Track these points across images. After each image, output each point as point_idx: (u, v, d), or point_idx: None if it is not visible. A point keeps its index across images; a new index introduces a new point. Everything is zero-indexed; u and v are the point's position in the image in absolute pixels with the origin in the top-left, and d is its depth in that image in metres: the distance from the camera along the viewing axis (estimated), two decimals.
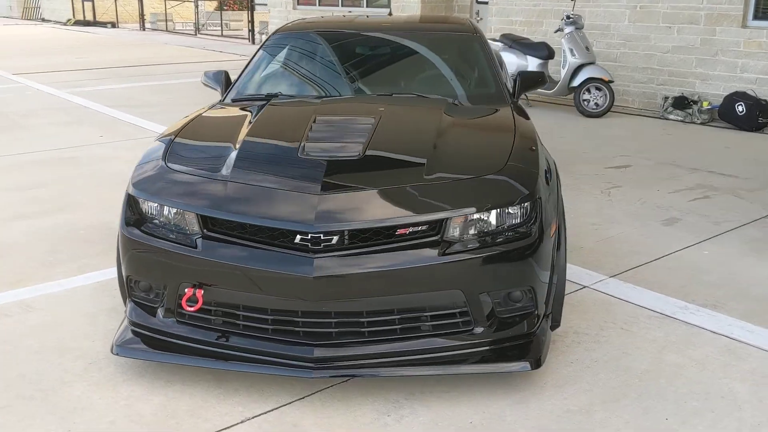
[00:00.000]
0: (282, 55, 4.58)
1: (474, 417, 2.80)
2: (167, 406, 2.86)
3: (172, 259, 2.92)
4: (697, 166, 6.73)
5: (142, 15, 26.83)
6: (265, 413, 2.82)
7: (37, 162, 6.74)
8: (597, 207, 5.44)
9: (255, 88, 4.33)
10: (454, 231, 2.88)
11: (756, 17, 8.69)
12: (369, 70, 4.40)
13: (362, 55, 4.49)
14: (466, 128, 3.61)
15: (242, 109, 3.96)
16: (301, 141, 3.27)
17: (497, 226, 2.94)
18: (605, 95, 9.07)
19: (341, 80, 4.31)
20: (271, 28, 16.35)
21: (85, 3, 30.10)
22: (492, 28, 11.41)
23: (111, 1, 29.36)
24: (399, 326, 2.91)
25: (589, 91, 9.15)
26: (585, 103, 9.19)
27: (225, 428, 2.73)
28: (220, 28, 23.80)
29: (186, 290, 2.91)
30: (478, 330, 2.94)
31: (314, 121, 3.50)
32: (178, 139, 3.44)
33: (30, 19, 34.78)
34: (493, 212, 2.93)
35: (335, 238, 2.80)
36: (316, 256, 2.78)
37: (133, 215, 3.09)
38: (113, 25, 28.82)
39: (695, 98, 8.94)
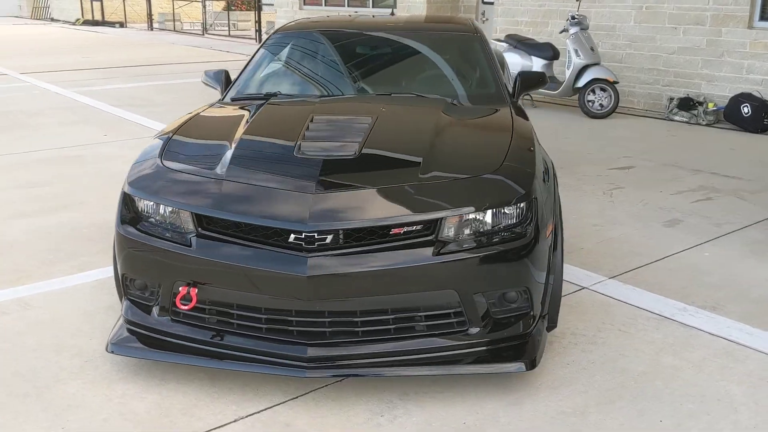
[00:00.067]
0: (282, 54, 4.58)
1: (468, 418, 2.79)
2: (161, 405, 2.86)
3: (166, 258, 2.92)
4: (700, 167, 6.69)
5: (150, 15, 26.92)
6: (259, 412, 2.81)
7: (41, 160, 6.77)
8: (599, 208, 5.42)
9: (254, 88, 4.34)
10: (449, 231, 2.87)
11: (762, 18, 8.64)
12: (368, 70, 4.39)
13: (362, 55, 4.49)
14: (464, 128, 3.60)
15: (241, 108, 3.97)
16: (298, 140, 3.27)
17: (493, 226, 2.92)
18: (610, 96, 9.04)
19: (340, 80, 4.31)
20: None
21: (94, 3, 30.22)
22: (497, 28, 11.39)
23: (119, 1, 29.47)
24: (393, 326, 2.90)
25: (593, 92, 9.12)
26: (590, 104, 9.16)
27: (218, 427, 2.73)
28: (227, 28, 23.85)
29: (180, 289, 2.91)
30: (473, 330, 2.93)
31: (311, 121, 3.50)
32: (174, 138, 3.45)
33: (39, 19, 34.95)
34: (489, 212, 2.91)
35: (329, 238, 2.79)
36: (310, 255, 2.78)
37: (129, 213, 3.09)
38: (121, 25, 28.94)
39: (701, 99, 8.89)
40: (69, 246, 4.58)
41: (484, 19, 12.52)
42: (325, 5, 15.54)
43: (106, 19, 29.76)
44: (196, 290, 2.90)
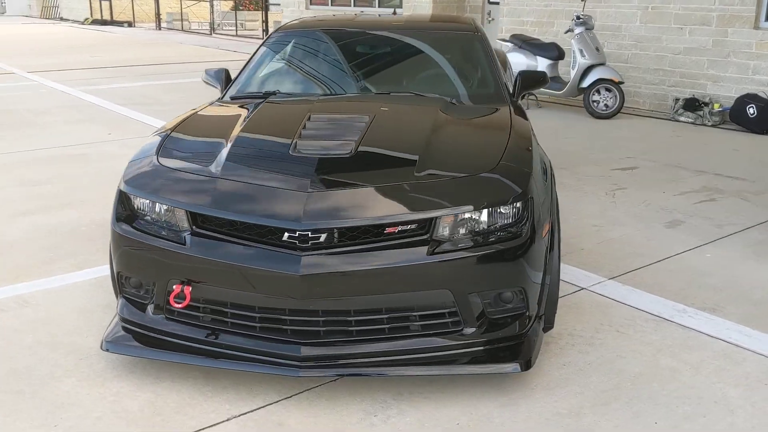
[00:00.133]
0: (282, 53, 4.58)
1: (461, 418, 2.77)
2: (154, 403, 2.86)
3: (161, 256, 2.92)
4: (704, 168, 6.65)
5: (158, 14, 27.00)
6: (252, 411, 2.81)
7: (44, 159, 6.79)
8: (600, 208, 5.39)
9: (253, 86, 4.34)
10: (443, 230, 2.86)
11: None
12: (368, 69, 4.38)
13: (362, 54, 4.48)
14: (461, 127, 3.59)
15: (239, 106, 3.97)
16: (294, 138, 3.26)
17: (488, 226, 2.91)
18: (615, 96, 9.00)
19: (340, 79, 4.30)
20: None
21: (103, 2, 30.36)
22: (503, 28, 11.36)
23: (128, 0, 29.57)
24: (387, 326, 2.89)
25: (599, 92, 9.08)
26: (595, 104, 9.12)
27: (210, 426, 2.72)
28: (234, 28, 23.89)
29: (174, 287, 2.91)
30: (468, 330, 2.91)
31: (308, 119, 3.49)
32: (171, 136, 3.45)
33: (49, 18, 35.12)
34: (484, 211, 2.90)
35: (323, 236, 2.78)
36: (304, 254, 2.77)
37: (125, 211, 3.09)
38: (130, 24, 29.04)
39: (706, 100, 8.84)
40: (68, 244, 4.59)
41: (490, 18, 12.50)
42: (332, 5, 15.54)
43: (114, 19, 29.88)
44: (190, 288, 2.89)
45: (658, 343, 3.35)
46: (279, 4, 18.23)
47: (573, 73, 9.13)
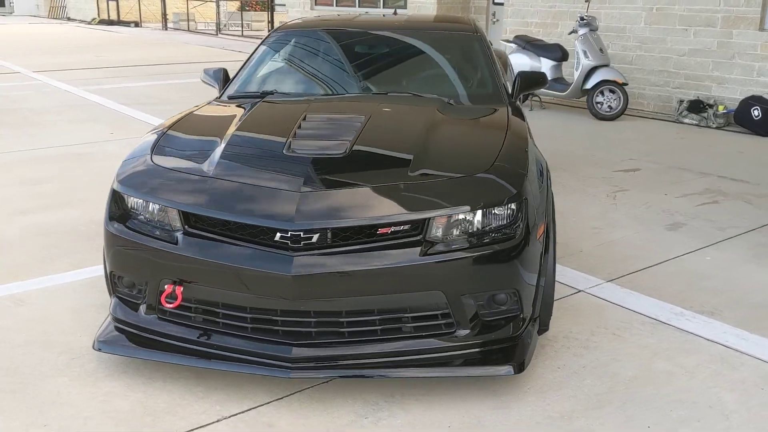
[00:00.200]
0: (281, 52, 4.56)
1: (452, 421, 2.75)
2: (145, 403, 2.84)
3: (153, 255, 2.91)
4: (707, 170, 6.61)
5: (164, 15, 27.07)
6: (242, 413, 2.79)
7: (45, 158, 6.80)
8: (601, 210, 5.36)
9: (251, 86, 4.32)
10: (437, 231, 2.84)
11: None
12: (366, 69, 4.36)
13: (360, 54, 4.46)
14: (457, 127, 3.57)
15: (236, 106, 3.95)
16: (288, 138, 3.25)
17: (482, 227, 2.88)
18: (619, 98, 8.96)
19: (338, 79, 4.28)
20: None
21: (110, 2, 30.46)
22: (507, 29, 11.33)
23: (135, 0, 29.66)
24: (379, 327, 2.87)
25: (602, 93, 9.04)
26: (598, 105, 9.08)
27: (200, 427, 2.71)
28: (240, 28, 23.93)
29: (166, 287, 2.90)
30: (461, 332, 2.89)
31: (304, 119, 3.48)
32: (166, 136, 3.44)
33: (56, 18, 35.26)
34: (478, 212, 2.87)
35: (315, 237, 2.76)
36: (296, 254, 2.75)
37: (118, 211, 3.08)
38: (136, 24, 29.13)
39: (711, 102, 8.79)
40: (66, 243, 4.59)
41: (494, 19, 12.47)
42: (336, 5, 15.54)
43: (121, 19, 29.97)
44: (182, 288, 2.88)
45: (654, 347, 3.31)
46: (284, 5, 18.25)
47: (576, 74, 9.10)
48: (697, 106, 8.84)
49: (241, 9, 25.45)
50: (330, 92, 4.19)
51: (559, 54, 9.38)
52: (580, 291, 3.90)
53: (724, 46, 8.85)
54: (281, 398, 2.88)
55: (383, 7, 14.69)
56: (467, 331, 2.89)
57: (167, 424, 2.72)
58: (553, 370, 3.10)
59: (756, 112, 8.21)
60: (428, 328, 2.89)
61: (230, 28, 25.10)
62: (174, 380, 3.00)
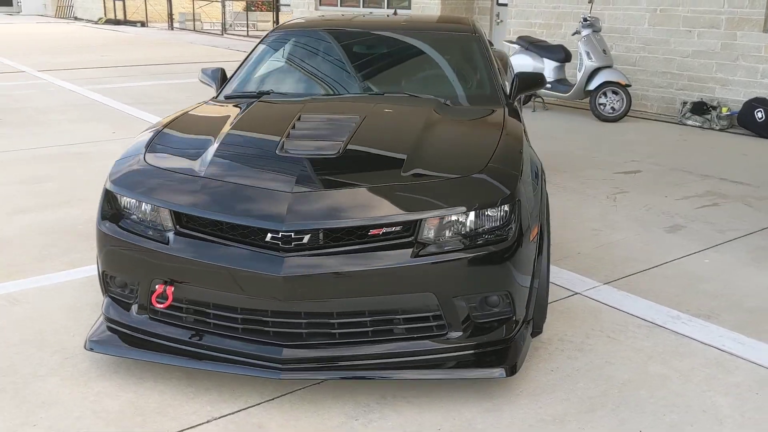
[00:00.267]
0: (278, 52, 4.56)
1: (444, 424, 2.74)
2: (135, 403, 2.84)
3: (144, 255, 2.90)
4: (709, 172, 6.57)
5: (170, 14, 27.12)
6: (233, 414, 2.78)
7: (47, 157, 6.81)
8: (601, 212, 5.34)
9: (248, 86, 4.32)
10: (429, 232, 2.82)
11: None
12: (363, 69, 4.35)
13: (358, 54, 4.45)
14: (452, 128, 3.55)
15: (232, 106, 3.95)
16: (282, 138, 3.24)
17: (474, 228, 2.87)
18: (622, 99, 8.92)
19: (335, 79, 4.27)
20: None
21: (116, 2, 30.55)
22: (511, 30, 11.31)
23: (142, 0, 29.73)
24: (371, 329, 2.85)
25: (605, 95, 9.01)
26: (601, 107, 9.04)
27: (190, 427, 2.70)
28: (246, 28, 23.95)
29: (156, 287, 2.89)
30: (453, 334, 2.88)
31: (298, 119, 3.47)
32: (160, 135, 3.44)
33: (63, 18, 35.38)
34: (471, 214, 2.86)
35: (306, 238, 2.75)
36: (287, 255, 2.74)
37: (110, 210, 3.08)
38: (143, 24, 29.19)
39: (714, 104, 8.75)
40: (64, 242, 4.59)
41: (498, 20, 12.45)
42: (341, 5, 15.54)
43: (128, 19, 30.05)
44: (173, 289, 2.87)
45: (649, 350, 3.29)
46: (289, 5, 18.26)
47: (579, 75, 9.07)
48: (700, 108, 8.80)
49: (247, 9, 25.48)
50: (326, 92, 4.18)
51: (562, 55, 9.35)
52: (576, 293, 3.88)
53: (728, 48, 8.81)
54: (272, 399, 2.87)
55: (388, 8, 14.68)
56: (459, 333, 2.88)
57: (157, 424, 2.71)
58: (546, 373, 3.09)
59: (759, 114, 8.17)
60: (420, 330, 2.88)
61: (236, 28, 25.13)
62: (165, 380, 2.99)
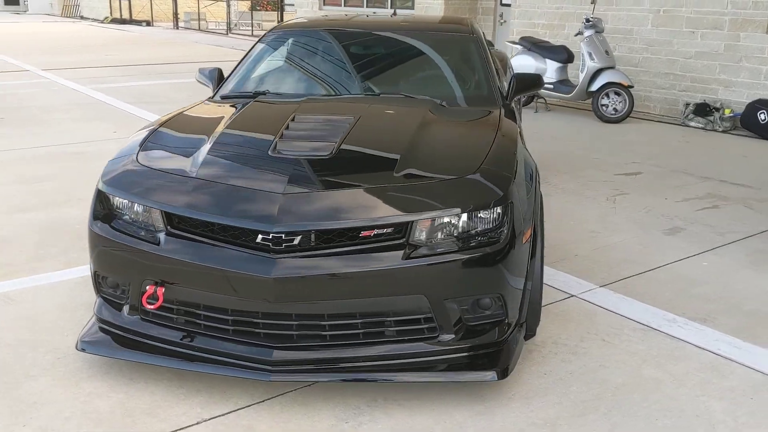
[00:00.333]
0: (275, 53, 4.55)
1: (435, 427, 2.72)
2: (126, 404, 2.83)
3: (135, 256, 2.89)
4: (710, 174, 6.54)
5: (176, 14, 27.16)
6: (223, 415, 2.78)
7: (47, 156, 6.82)
8: (600, 214, 5.31)
9: (244, 86, 4.31)
10: (420, 234, 2.81)
11: None
12: (360, 70, 4.34)
13: (354, 55, 4.43)
14: (447, 129, 3.53)
15: (228, 106, 3.94)
16: (275, 139, 3.23)
17: (466, 230, 2.85)
18: (624, 100, 8.89)
19: (331, 79, 4.26)
20: None
21: (122, 1, 30.61)
22: (514, 30, 11.28)
23: None
24: (362, 331, 2.84)
25: (607, 96, 8.97)
26: (603, 108, 9.01)
27: (179, 429, 2.69)
28: (251, 27, 23.96)
29: (147, 288, 2.88)
30: (445, 337, 2.86)
31: (292, 120, 3.46)
32: (154, 135, 3.43)
33: (69, 17, 35.48)
34: (463, 215, 2.84)
35: (297, 239, 2.74)
36: (277, 256, 2.73)
37: (102, 210, 3.08)
38: (148, 23, 29.24)
39: (717, 105, 8.71)
40: (61, 242, 4.59)
41: (502, 21, 12.42)
42: (345, 5, 15.53)
43: (133, 18, 30.11)
44: (163, 290, 2.87)
45: (644, 354, 3.27)
46: (293, 5, 18.27)
47: (582, 76, 9.04)
48: (703, 110, 8.76)
49: (252, 9, 25.50)
50: (323, 93, 4.17)
51: (565, 56, 9.32)
52: (572, 296, 3.86)
53: (731, 49, 8.77)
54: (262, 401, 2.86)
55: (391, 8, 14.67)
56: (451, 336, 2.86)
57: (146, 425, 2.71)
58: (539, 376, 3.07)
59: (762, 116, 8.12)
60: (411, 333, 2.86)
61: (241, 28, 25.15)
62: (156, 381, 2.98)
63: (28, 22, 30.04)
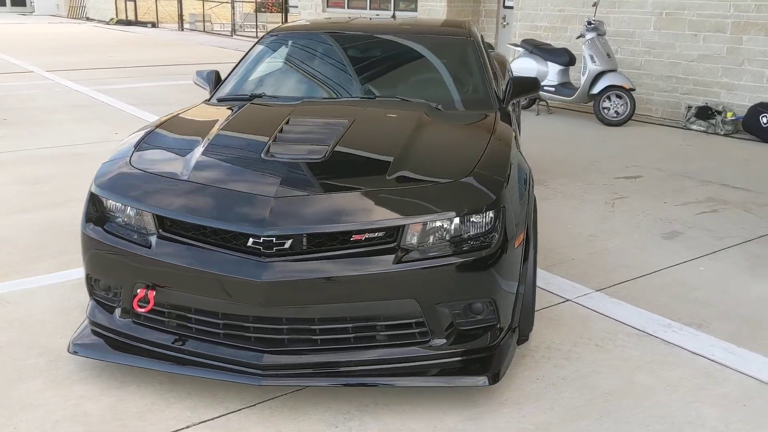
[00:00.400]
0: (273, 55, 4.55)
1: (424, 431, 2.71)
2: (116, 407, 2.83)
3: (127, 259, 2.89)
4: (711, 178, 6.51)
5: (180, 15, 27.22)
6: (212, 419, 2.77)
7: (47, 157, 6.84)
8: (598, 218, 5.29)
9: (241, 88, 4.31)
10: (411, 238, 2.80)
11: None
12: (357, 73, 4.33)
13: (351, 58, 4.42)
14: (441, 133, 3.52)
15: (224, 108, 3.94)
16: (269, 142, 3.22)
17: (458, 234, 2.84)
18: (626, 103, 8.87)
19: (327, 82, 4.26)
20: None
21: (128, 3, 30.68)
22: (517, 32, 11.26)
23: (153, 1, 29.86)
24: (353, 335, 2.83)
25: (609, 98, 8.95)
26: (605, 111, 8.99)
27: None
28: (255, 29, 24.00)
29: (138, 291, 2.88)
30: (436, 342, 2.85)
31: (287, 123, 3.45)
32: (148, 138, 3.43)
33: (75, 18, 35.58)
34: (455, 219, 2.83)
35: (288, 243, 2.74)
36: (268, 260, 2.73)
37: (95, 213, 3.07)
38: (153, 25, 29.31)
39: (719, 108, 8.68)
40: (58, 243, 4.60)
41: (504, 23, 12.41)
42: (348, 7, 15.54)
43: (139, 19, 30.18)
44: (154, 293, 2.86)
45: (637, 359, 3.26)
46: (297, 6, 18.28)
47: (583, 79, 9.02)
48: (705, 113, 8.73)
49: (257, 10, 25.53)
50: (319, 96, 4.17)
51: (567, 58, 9.30)
52: (567, 300, 3.85)
53: (733, 52, 8.74)
54: (252, 405, 2.85)
55: (394, 10, 14.67)
56: (442, 341, 2.85)
57: (136, 429, 2.70)
58: (531, 381, 3.06)
59: (765, 119, 8.09)
60: (402, 337, 2.85)
61: (245, 29, 25.18)
62: (148, 385, 2.98)
63: (34, 23, 30.14)
